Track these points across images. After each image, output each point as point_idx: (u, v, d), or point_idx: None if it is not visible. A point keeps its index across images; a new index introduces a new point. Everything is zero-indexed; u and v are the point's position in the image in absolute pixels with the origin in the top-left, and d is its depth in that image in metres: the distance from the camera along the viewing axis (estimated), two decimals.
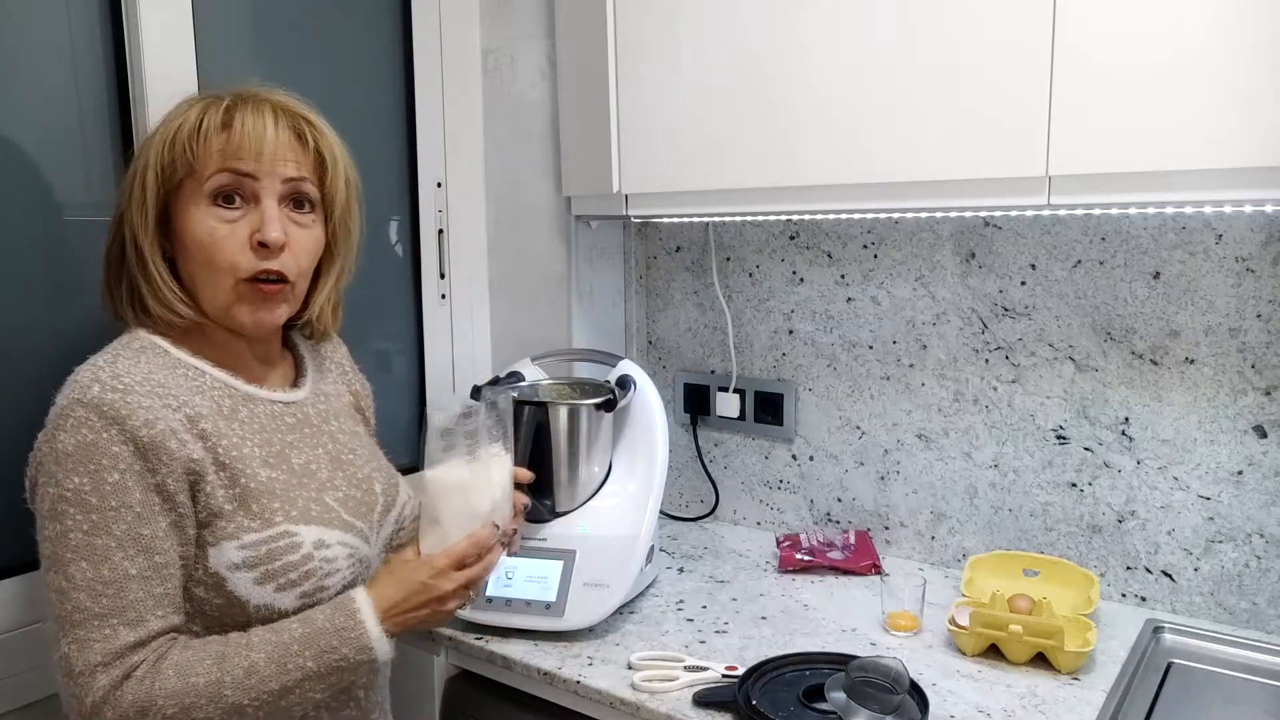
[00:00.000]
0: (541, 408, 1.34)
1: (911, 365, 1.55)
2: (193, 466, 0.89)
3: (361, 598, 0.95)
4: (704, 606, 1.40)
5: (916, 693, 1.09)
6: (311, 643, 0.90)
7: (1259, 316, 1.27)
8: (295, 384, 1.07)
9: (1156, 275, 1.33)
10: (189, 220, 0.93)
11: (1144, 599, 1.40)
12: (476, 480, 1.00)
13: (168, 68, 1.25)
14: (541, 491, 1.35)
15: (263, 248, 0.93)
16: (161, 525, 0.87)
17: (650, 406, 1.43)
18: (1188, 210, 1.24)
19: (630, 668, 1.21)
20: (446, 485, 0.99)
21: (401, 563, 0.99)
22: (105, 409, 0.85)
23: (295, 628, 0.91)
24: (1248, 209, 1.24)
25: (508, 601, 1.29)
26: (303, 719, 0.96)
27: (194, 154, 0.92)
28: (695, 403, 1.79)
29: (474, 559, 0.99)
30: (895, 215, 1.51)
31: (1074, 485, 1.43)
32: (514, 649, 1.27)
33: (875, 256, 1.56)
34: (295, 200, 0.97)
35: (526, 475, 1.15)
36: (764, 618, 1.37)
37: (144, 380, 0.89)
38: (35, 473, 0.88)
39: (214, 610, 0.92)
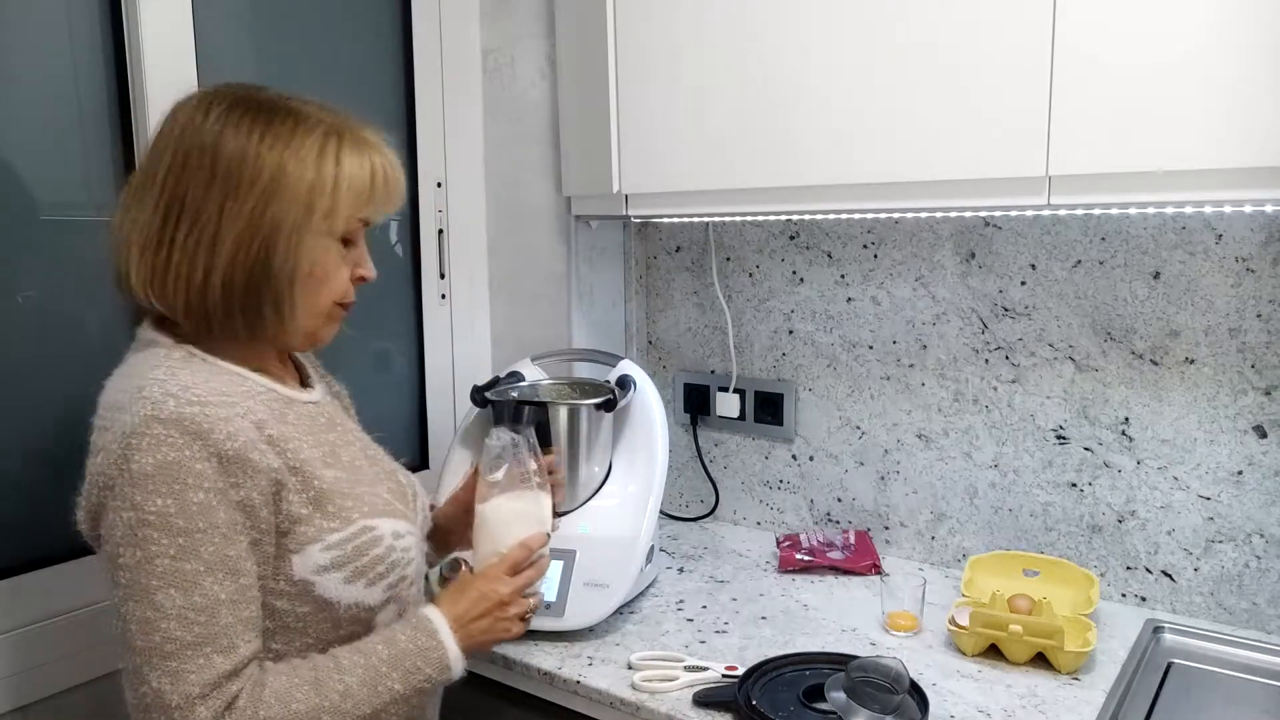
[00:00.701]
0: (541, 408, 1.34)
1: (911, 365, 1.55)
2: (274, 476, 0.87)
3: (436, 615, 0.97)
4: (704, 606, 1.40)
5: (916, 693, 1.09)
6: (398, 664, 0.91)
7: (1259, 316, 1.27)
8: (304, 385, 1.06)
9: (1156, 275, 1.33)
10: (317, 252, 0.90)
11: (1144, 599, 1.40)
12: (533, 508, 1.08)
13: (168, 68, 1.25)
14: None
15: (360, 281, 0.96)
16: (243, 545, 0.85)
17: (650, 406, 1.43)
18: (1188, 210, 1.24)
19: (630, 668, 1.21)
20: (510, 515, 1.06)
21: (457, 582, 1.04)
22: (186, 424, 0.81)
23: (381, 649, 0.92)
24: (1248, 209, 1.24)
25: None
26: None
27: (371, 206, 0.92)
28: (695, 403, 1.79)
29: (527, 564, 1.04)
30: (895, 215, 1.51)
31: (1074, 485, 1.43)
32: (514, 649, 1.27)
33: (875, 256, 1.57)
34: None
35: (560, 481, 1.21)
36: (764, 618, 1.37)
37: (214, 391, 0.85)
38: (101, 497, 0.82)
39: (297, 620, 0.90)
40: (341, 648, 0.91)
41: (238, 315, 0.88)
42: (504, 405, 1.34)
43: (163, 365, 0.86)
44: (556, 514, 1.35)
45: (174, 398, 0.82)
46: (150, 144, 0.90)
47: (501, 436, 1.07)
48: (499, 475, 1.07)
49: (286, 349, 0.98)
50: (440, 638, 0.95)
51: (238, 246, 0.86)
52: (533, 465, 1.08)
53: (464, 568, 1.17)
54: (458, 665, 0.96)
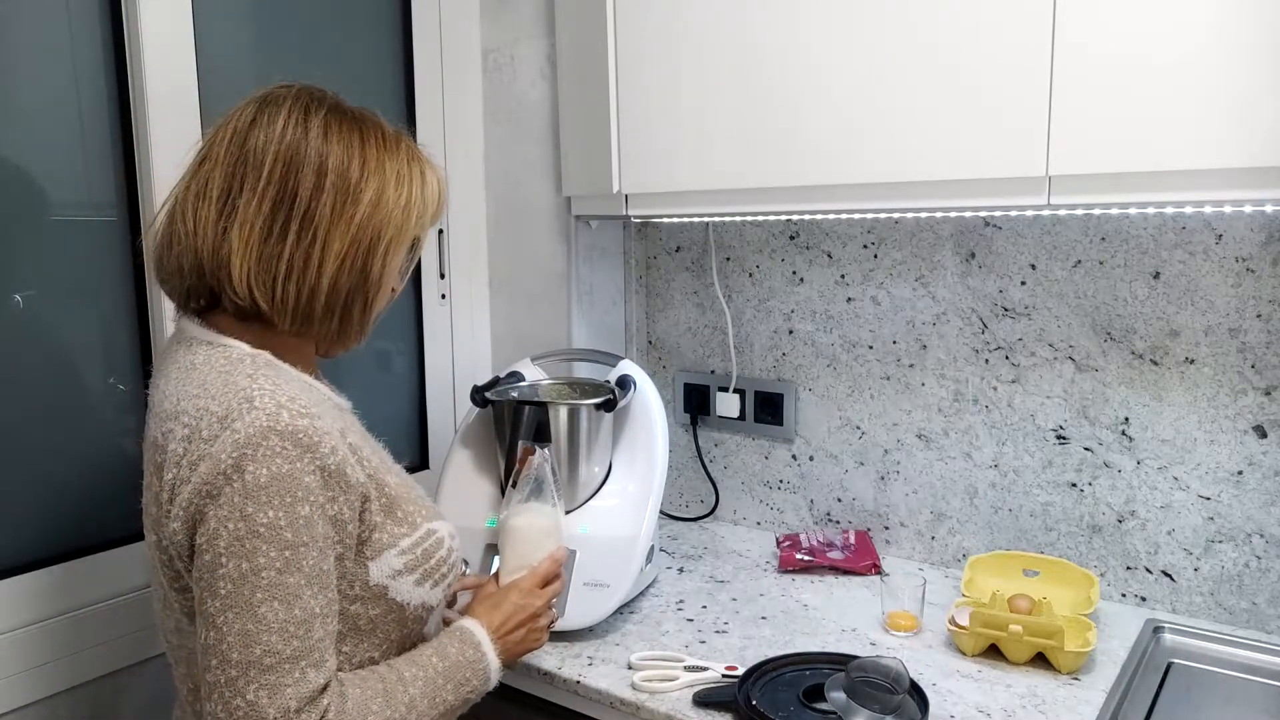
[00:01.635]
0: (541, 408, 1.34)
1: (911, 365, 1.55)
2: (363, 490, 0.89)
3: (477, 628, 1.00)
4: (704, 606, 1.40)
5: (916, 693, 1.09)
6: (451, 676, 0.94)
7: (1259, 316, 1.27)
8: None
9: (1156, 275, 1.33)
10: (398, 262, 0.95)
11: (1144, 599, 1.40)
12: (556, 524, 1.17)
13: (168, 68, 1.25)
14: None
15: (392, 294, 0.99)
16: (331, 559, 0.85)
17: (650, 406, 1.43)
18: (1188, 210, 1.24)
19: (630, 668, 1.21)
20: (539, 531, 1.14)
21: (488, 594, 1.08)
22: (300, 437, 0.82)
23: (436, 661, 0.94)
24: (1248, 209, 1.24)
25: None
26: None
27: (434, 221, 0.99)
28: (695, 403, 1.79)
29: (554, 576, 1.12)
30: (895, 215, 1.51)
31: (1074, 485, 1.43)
32: None
33: (875, 256, 1.57)
34: None
35: None
36: (764, 618, 1.37)
37: (311, 402, 0.86)
38: (201, 506, 0.81)
39: (369, 623, 0.92)
40: (399, 660, 0.93)
41: (336, 315, 0.91)
42: (504, 405, 1.34)
43: (259, 373, 0.86)
44: None
45: (286, 409, 0.83)
46: (228, 136, 0.90)
47: (543, 456, 1.16)
48: (527, 491, 1.15)
49: (339, 352, 0.99)
50: (483, 649, 0.99)
51: (345, 250, 0.89)
52: (553, 481, 1.17)
53: (464, 569, 1.18)
54: (496, 677, 1.00)
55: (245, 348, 0.89)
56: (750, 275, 1.70)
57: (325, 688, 0.83)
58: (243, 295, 0.87)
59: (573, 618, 1.27)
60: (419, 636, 0.98)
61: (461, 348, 1.74)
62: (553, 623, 1.13)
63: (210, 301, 0.92)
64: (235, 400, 0.83)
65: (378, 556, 0.91)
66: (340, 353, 0.98)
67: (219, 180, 0.88)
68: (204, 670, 0.81)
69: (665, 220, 1.71)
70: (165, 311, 1.26)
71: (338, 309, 0.91)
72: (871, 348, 1.59)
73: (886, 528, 1.61)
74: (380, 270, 0.92)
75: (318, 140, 0.89)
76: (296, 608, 0.81)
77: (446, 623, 1.05)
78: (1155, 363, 1.35)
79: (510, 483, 1.20)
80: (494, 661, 1.00)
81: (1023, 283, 1.44)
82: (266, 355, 0.90)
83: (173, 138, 1.25)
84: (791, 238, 1.65)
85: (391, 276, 0.95)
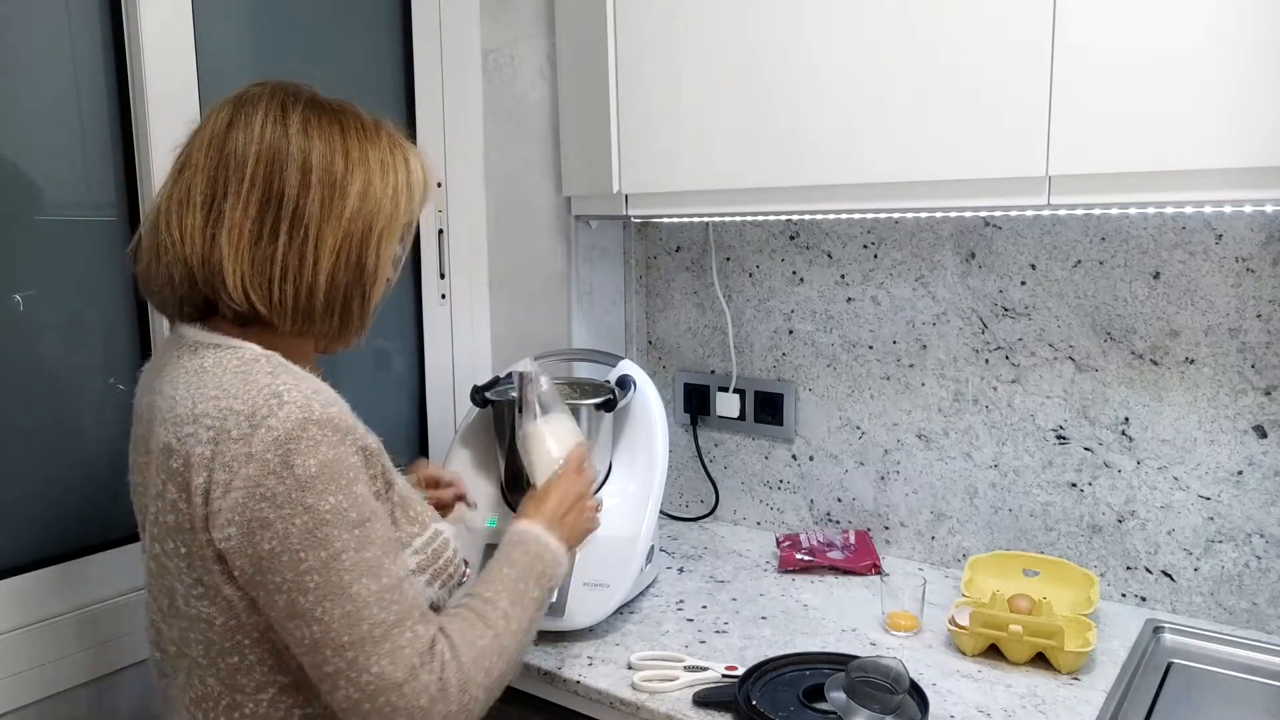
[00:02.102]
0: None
1: (911, 365, 1.55)
2: (388, 477, 0.90)
3: (530, 525, 1.04)
4: (704, 606, 1.40)
5: (916, 693, 1.09)
6: (527, 576, 0.98)
7: (1259, 316, 1.27)
8: None
9: (1156, 275, 1.33)
10: (392, 251, 0.95)
11: (1144, 599, 1.40)
12: (572, 424, 1.21)
13: (168, 68, 1.25)
14: None
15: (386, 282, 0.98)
16: (389, 524, 0.88)
17: (650, 406, 1.43)
18: (1188, 210, 1.24)
19: (630, 668, 1.21)
20: (559, 429, 1.18)
21: (530, 498, 1.11)
22: (337, 423, 0.83)
23: (509, 571, 0.98)
24: (1248, 209, 1.23)
25: None
26: None
27: (422, 206, 0.99)
28: (695, 403, 1.79)
29: (585, 462, 1.16)
30: (895, 215, 1.51)
31: (1074, 485, 1.43)
32: None
33: (875, 256, 1.57)
34: None
35: None
36: (764, 618, 1.37)
37: (331, 397, 0.87)
38: (259, 511, 0.80)
39: None
40: (476, 585, 0.96)
41: (337, 311, 0.91)
42: (504, 405, 1.34)
43: (278, 370, 0.86)
44: None
45: (315, 400, 0.83)
46: (207, 141, 0.88)
47: (531, 367, 1.20)
48: (536, 407, 1.18)
49: (341, 349, 0.98)
50: (544, 540, 1.03)
51: (339, 245, 0.88)
52: (554, 390, 1.21)
53: (465, 569, 1.18)
54: (564, 559, 1.05)
55: (257, 349, 0.88)
56: (750, 275, 1.70)
57: (435, 637, 0.86)
58: (239, 301, 0.86)
59: (573, 618, 1.27)
60: None
61: (461, 348, 1.74)
62: (599, 507, 1.17)
63: (205, 310, 0.91)
64: (262, 398, 0.82)
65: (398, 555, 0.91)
66: (341, 349, 0.97)
67: (202, 186, 0.87)
68: (318, 666, 0.82)
69: (665, 220, 1.71)
70: None
71: (337, 305, 0.90)
72: (871, 348, 1.59)
73: (886, 528, 1.61)
74: (375, 261, 0.91)
75: (298, 137, 0.87)
76: (384, 576, 0.83)
77: None
78: (1155, 363, 1.35)
79: (516, 409, 1.22)
80: (558, 546, 1.04)
81: (1023, 283, 1.44)
82: (278, 356, 0.89)
83: (173, 138, 1.23)
84: (791, 238, 1.65)
85: (386, 266, 0.94)
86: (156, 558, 0.88)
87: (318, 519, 0.80)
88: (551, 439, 1.17)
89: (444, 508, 1.23)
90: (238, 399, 0.82)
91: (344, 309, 0.91)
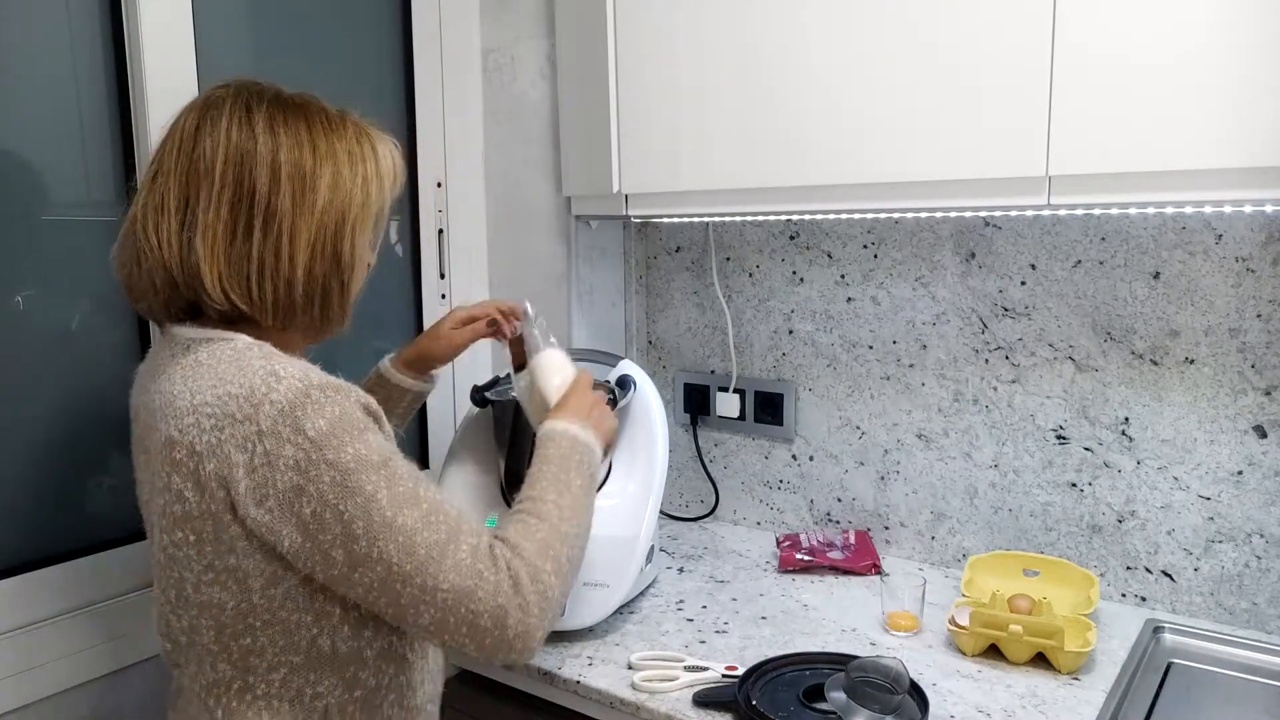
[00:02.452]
0: None
1: (911, 365, 1.55)
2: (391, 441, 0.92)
3: (556, 423, 1.05)
4: (704, 606, 1.40)
5: (916, 693, 1.09)
6: (566, 466, 1.00)
7: (1259, 316, 1.27)
8: None
9: (1156, 275, 1.33)
10: (366, 239, 0.96)
11: (1144, 599, 1.40)
12: (567, 356, 1.22)
13: (168, 68, 1.25)
14: None
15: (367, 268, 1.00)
16: (409, 460, 0.90)
17: (650, 406, 1.43)
18: (1188, 210, 1.24)
19: (630, 668, 1.21)
20: (562, 359, 1.19)
21: (549, 414, 1.10)
22: (336, 384, 0.86)
23: (547, 468, 1.00)
24: (1248, 209, 1.24)
25: None
26: None
27: (394, 193, 1.00)
28: (695, 403, 1.79)
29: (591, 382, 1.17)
30: (895, 215, 1.51)
31: (1074, 485, 1.43)
32: None
33: (875, 256, 1.57)
34: None
35: None
36: (764, 618, 1.37)
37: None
38: (291, 480, 0.82)
39: None
40: (520, 493, 0.98)
41: (316, 302, 0.92)
42: (504, 405, 1.34)
43: (273, 355, 0.87)
44: None
45: (310, 371, 0.86)
46: (175, 146, 0.90)
47: (529, 306, 1.24)
48: (538, 331, 1.21)
49: (325, 339, 0.99)
50: (573, 432, 1.04)
51: (314, 238, 0.90)
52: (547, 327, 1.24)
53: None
54: (598, 449, 1.06)
55: (248, 339, 0.89)
56: (750, 275, 1.70)
57: (492, 543, 0.88)
58: (220, 300, 0.88)
59: (573, 618, 1.27)
60: None
61: None
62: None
63: (192, 312, 0.92)
64: (259, 378, 0.83)
65: None
66: (325, 339, 0.99)
67: (175, 191, 0.88)
68: (395, 602, 0.84)
69: (665, 220, 1.71)
70: None
71: (317, 296, 0.92)
72: (871, 348, 1.59)
73: (886, 528, 1.61)
74: (351, 250, 0.93)
75: (265, 135, 0.89)
76: (423, 503, 0.85)
77: None
78: (1155, 363, 1.35)
79: (520, 347, 1.25)
80: (590, 437, 1.05)
81: (1023, 283, 1.44)
82: (269, 345, 0.90)
83: None
84: (791, 238, 1.65)
85: (363, 254, 0.96)
86: (165, 549, 0.88)
87: (343, 471, 0.82)
88: (559, 364, 1.19)
89: (496, 336, 1.29)
90: (234, 384, 0.83)
91: (324, 299, 0.93)
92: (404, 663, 0.96)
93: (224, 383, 0.84)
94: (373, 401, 0.89)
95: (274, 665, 0.88)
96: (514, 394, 1.38)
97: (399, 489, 0.84)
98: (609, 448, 1.13)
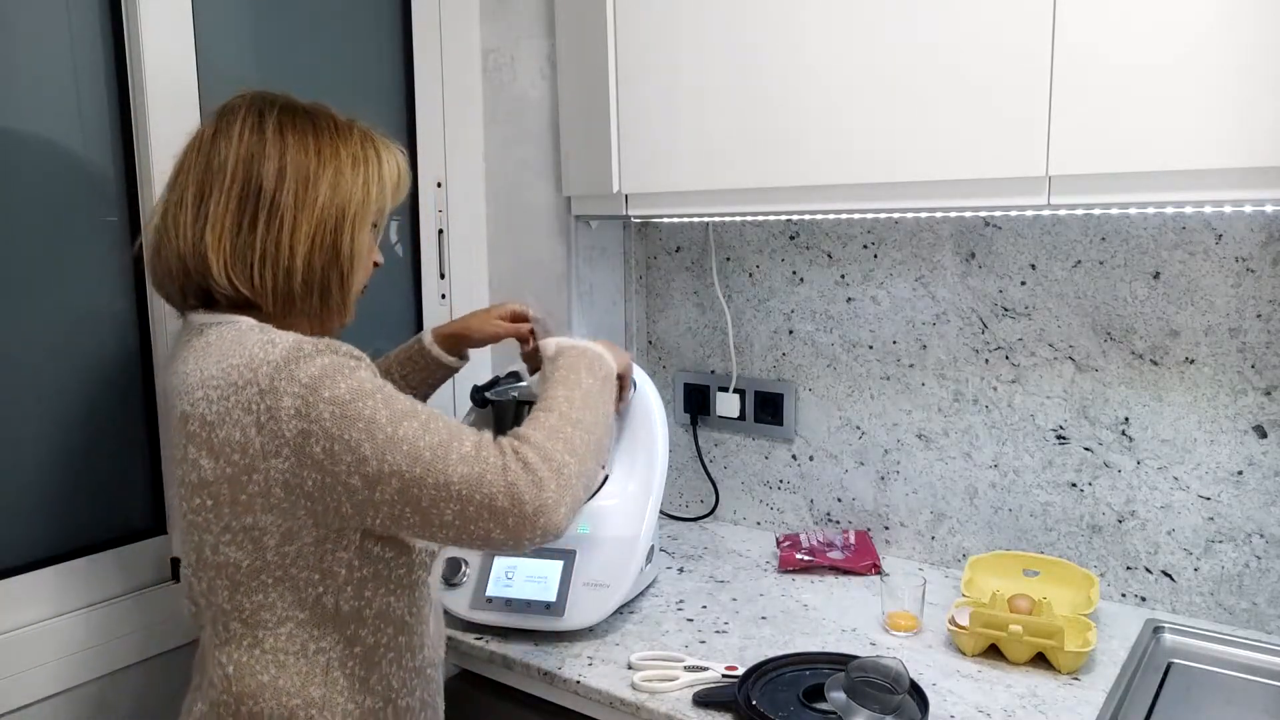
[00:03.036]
0: None
1: (911, 365, 1.55)
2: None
3: (558, 341, 1.11)
4: (704, 606, 1.40)
5: (916, 693, 1.09)
6: (575, 368, 1.06)
7: (1259, 316, 1.27)
8: None
9: (1156, 275, 1.33)
10: (366, 236, 1.02)
11: (1144, 599, 1.40)
12: None
13: (168, 68, 1.25)
14: None
15: (375, 267, 1.08)
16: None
17: (650, 406, 1.43)
18: (1188, 210, 1.24)
19: (630, 668, 1.21)
20: None
21: None
22: (324, 341, 0.92)
23: (552, 372, 1.06)
24: (1248, 209, 1.24)
25: (507, 602, 1.29)
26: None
27: (396, 197, 1.07)
28: (695, 403, 1.79)
29: None
30: (895, 215, 1.51)
31: (1074, 485, 1.43)
32: (514, 649, 1.27)
33: (875, 256, 1.57)
34: None
35: None
36: (764, 618, 1.37)
37: None
38: (293, 428, 0.87)
39: (385, 566, 0.98)
40: (538, 400, 1.03)
41: (316, 293, 0.99)
42: (504, 405, 1.34)
43: (270, 330, 0.93)
44: None
45: (301, 337, 0.92)
46: (196, 149, 0.99)
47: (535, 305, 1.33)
48: (546, 325, 1.30)
49: (334, 327, 1.05)
50: (582, 345, 1.11)
51: (313, 231, 0.97)
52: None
53: (465, 565, 1.28)
54: (610, 359, 1.11)
55: (252, 321, 0.96)
56: (750, 275, 1.70)
57: (496, 439, 0.93)
58: (225, 286, 0.95)
59: (573, 618, 1.27)
60: (424, 585, 1.04)
61: None
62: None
63: (204, 300, 0.99)
64: (256, 348, 0.90)
65: None
66: (330, 332, 1.03)
67: (192, 189, 0.97)
68: (418, 511, 0.89)
69: (665, 220, 1.71)
70: (165, 312, 1.26)
71: (315, 286, 0.98)
72: (871, 348, 1.59)
73: (886, 528, 1.61)
74: (350, 245, 0.99)
75: (274, 138, 0.97)
76: (420, 413, 0.91)
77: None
78: (1155, 363, 1.35)
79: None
80: (599, 348, 1.10)
81: (1023, 283, 1.44)
82: (272, 327, 0.96)
83: (173, 139, 1.25)
84: (791, 238, 1.65)
85: (363, 250, 1.02)
86: (185, 516, 0.95)
87: (340, 404, 0.88)
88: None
89: (524, 342, 1.35)
90: (236, 356, 0.91)
91: (323, 290, 0.99)
92: (402, 624, 1.01)
93: (227, 357, 0.91)
94: (361, 353, 0.95)
95: (281, 619, 0.94)
96: (514, 395, 1.38)
97: (396, 406, 0.90)
98: (624, 381, 1.20)
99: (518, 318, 1.34)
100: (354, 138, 1.01)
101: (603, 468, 1.37)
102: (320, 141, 0.99)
